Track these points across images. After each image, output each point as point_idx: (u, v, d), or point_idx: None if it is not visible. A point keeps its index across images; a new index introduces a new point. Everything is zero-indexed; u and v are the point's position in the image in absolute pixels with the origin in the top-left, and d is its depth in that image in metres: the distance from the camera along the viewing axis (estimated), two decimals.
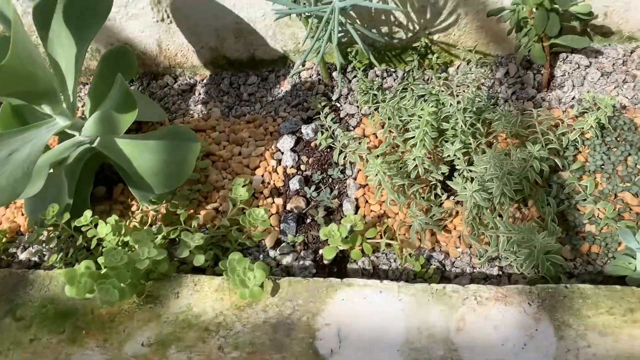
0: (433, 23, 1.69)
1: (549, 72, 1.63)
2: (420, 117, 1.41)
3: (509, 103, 1.65)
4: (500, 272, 1.35)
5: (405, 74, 1.81)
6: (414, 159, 1.43)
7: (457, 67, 1.79)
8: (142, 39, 1.89)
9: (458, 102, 1.48)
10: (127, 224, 1.56)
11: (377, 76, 1.82)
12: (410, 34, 1.74)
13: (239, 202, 1.48)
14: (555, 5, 1.47)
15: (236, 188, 1.48)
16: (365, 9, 1.64)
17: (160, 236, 1.46)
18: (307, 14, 1.52)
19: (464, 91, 1.67)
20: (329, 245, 1.39)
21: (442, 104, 1.53)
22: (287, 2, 1.46)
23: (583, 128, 1.47)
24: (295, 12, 1.37)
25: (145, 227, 1.52)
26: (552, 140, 1.44)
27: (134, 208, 1.64)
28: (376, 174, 1.40)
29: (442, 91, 1.60)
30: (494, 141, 1.56)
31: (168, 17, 1.80)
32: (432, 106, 1.42)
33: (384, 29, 1.73)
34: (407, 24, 1.71)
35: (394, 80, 1.80)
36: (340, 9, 1.40)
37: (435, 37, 1.74)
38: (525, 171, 1.36)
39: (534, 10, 1.48)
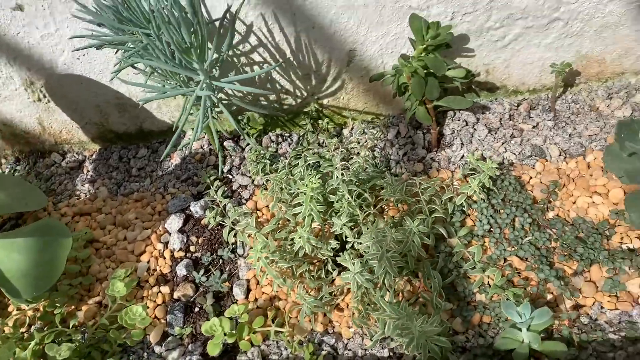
0: (320, 89, 1.66)
1: (436, 131, 1.62)
2: (305, 193, 1.37)
3: (401, 165, 1.63)
4: (392, 354, 1.31)
5: (300, 138, 1.76)
6: (300, 238, 1.37)
7: (351, 129, 1.76)
8: (22, 118, 1.79)
9: (342, 174, 1.44)
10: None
11: (272, 142, 1.77)
12: (299, 100, 1.70)
13: (118, 298, 1.39)
14: (432, 71, 1.46)
15: (114, 283, 1.39)
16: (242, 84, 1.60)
17: (33, 343, 1.35)
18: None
19: (357, 153, 1.65)
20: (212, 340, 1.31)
21: (333, 170, 1.49)
22: (155, 87, 1.40)
23: (468, 192, 1.46)
24: (160, 98, 1.31)
25: (10, 339, 1.39)
26: (437, 208, 1.42)
27: (10, 308, 1.52)
28: (258, 260, 1.34)
29: (335, 156, 1.56)
30: (386, 207, 1.53)
31: (45, 96, 1.70)
32: (318, 179, 1.37)
33: (272, 96, 1.69)
34: (294, 91, 1.67)
35: (289, 145, 1.76)
36: (210, 91, 1.35)
37: (324, 101, 1.71)
38: (408, 246, 1.32)
39: (411, 76, 1.47)
